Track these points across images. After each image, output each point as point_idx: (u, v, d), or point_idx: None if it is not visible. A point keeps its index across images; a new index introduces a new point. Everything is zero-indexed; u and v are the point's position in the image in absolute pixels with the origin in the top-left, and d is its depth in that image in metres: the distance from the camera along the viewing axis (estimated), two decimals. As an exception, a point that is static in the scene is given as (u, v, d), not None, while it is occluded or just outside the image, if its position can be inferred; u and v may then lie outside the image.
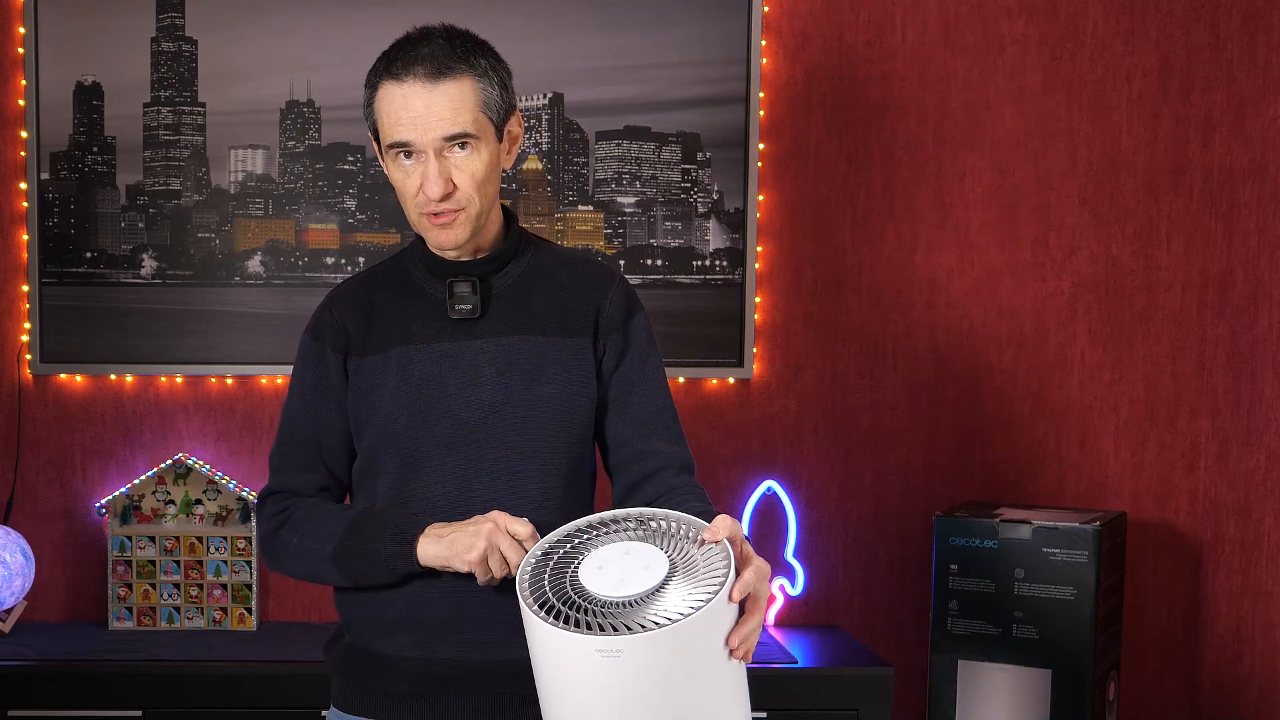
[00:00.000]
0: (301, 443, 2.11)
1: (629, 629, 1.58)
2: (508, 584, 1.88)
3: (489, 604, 2.01)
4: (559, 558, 1.70)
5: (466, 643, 2.03)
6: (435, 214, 1.99)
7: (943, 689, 3.23)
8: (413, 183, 1.99)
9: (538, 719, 1.96)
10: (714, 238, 3.44)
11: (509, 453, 2.03)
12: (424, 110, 1.96)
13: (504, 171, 2.09)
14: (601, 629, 1.59)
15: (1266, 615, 3.51)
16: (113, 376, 3.42)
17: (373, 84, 2.02)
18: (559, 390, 2.05)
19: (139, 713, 3.05)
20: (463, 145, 1.98)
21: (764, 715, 3.06)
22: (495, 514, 1.91)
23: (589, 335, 2.08)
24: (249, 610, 3.35)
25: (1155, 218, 3.48)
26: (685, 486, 2.05)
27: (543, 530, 1.85)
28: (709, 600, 1.60)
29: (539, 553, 1.72)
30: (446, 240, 2.02)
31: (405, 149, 1.98)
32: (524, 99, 3.37)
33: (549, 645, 1.63)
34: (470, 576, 1.98)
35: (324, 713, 2.18)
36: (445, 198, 1.98)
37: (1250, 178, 3.46)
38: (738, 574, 1.66)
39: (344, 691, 2.11)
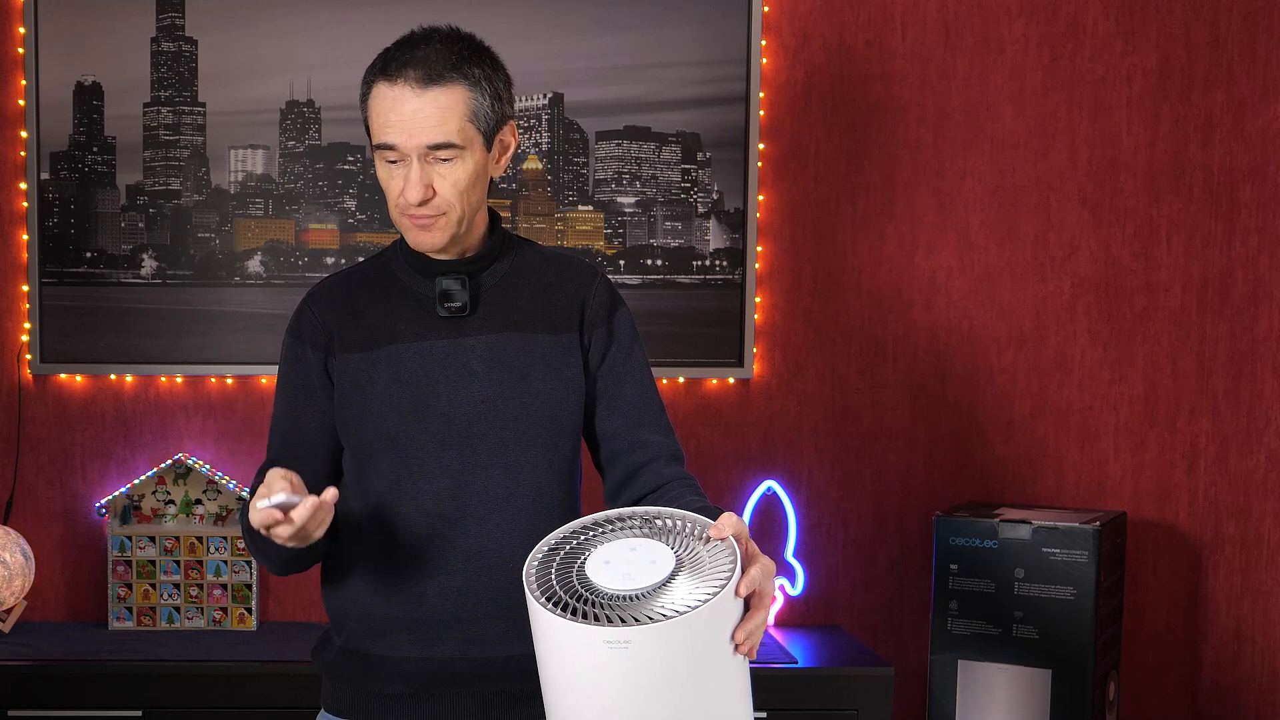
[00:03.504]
0: (282, 440, 2.11)
1: (637, 621, 1.58)
2: (509, 579, 1.88)
3: (489, 601, 2.01)
4: (565, 553, 1.71)
5: (466, 640, 2.02)
6: (414, 216, 2.00)
7: (943, 689, 3.23)
8: (395, 184, 2.00)
9: (536, 715, 1.96)
10: (714, 238, 3.44)
11: (503, 449, 2.03)
12: (410, 116, 1.96)
13: (502, 175, 2.10)
14: (609, 621, 1.59)
15: (1266, 615, 3.51)
16: (113, 376, 3.41)
17: (368, 81, 2.02)
18: (549, 386, 2.05)
19: (139, 713, 3.04)
20: (446, 154, 1.98)
21: (764, 715, 3.06)
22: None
23: (575, 330, 2.09)
24: (249, 610, 3.35)
25: (1155, 218, 3.48)
26: (678, 478, 2.06)
27: (542, 529, 1.85)
28: (716, 593, 1.60)
29: (545, 548, 1.72)
30: (424, 242, 2.03)
31: (390, 151, 1.98)
32: (524, 99, 3.37)
33: (556, 638, 1.63)
34: (468, 575, 2.00)
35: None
36: (423, 203, 1.98)
37: (1250, 178, 3.46)
38: (743, 570, 1.66)
39: (337, 694, 2.10)
